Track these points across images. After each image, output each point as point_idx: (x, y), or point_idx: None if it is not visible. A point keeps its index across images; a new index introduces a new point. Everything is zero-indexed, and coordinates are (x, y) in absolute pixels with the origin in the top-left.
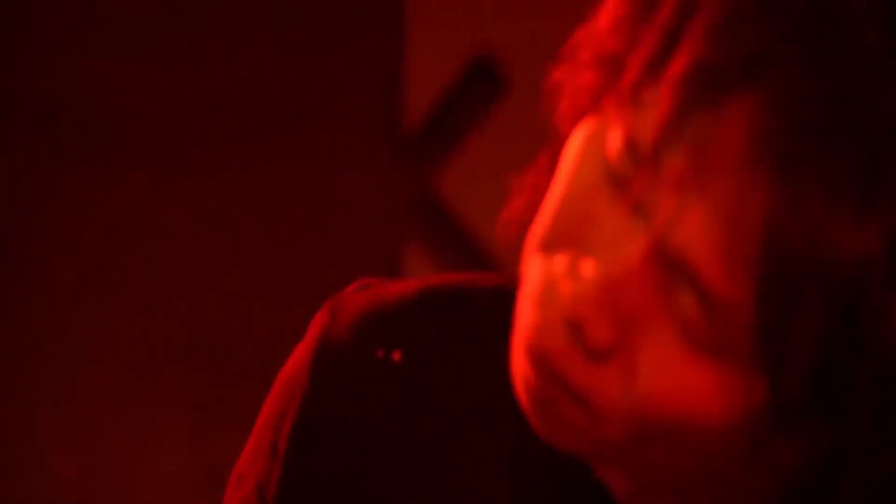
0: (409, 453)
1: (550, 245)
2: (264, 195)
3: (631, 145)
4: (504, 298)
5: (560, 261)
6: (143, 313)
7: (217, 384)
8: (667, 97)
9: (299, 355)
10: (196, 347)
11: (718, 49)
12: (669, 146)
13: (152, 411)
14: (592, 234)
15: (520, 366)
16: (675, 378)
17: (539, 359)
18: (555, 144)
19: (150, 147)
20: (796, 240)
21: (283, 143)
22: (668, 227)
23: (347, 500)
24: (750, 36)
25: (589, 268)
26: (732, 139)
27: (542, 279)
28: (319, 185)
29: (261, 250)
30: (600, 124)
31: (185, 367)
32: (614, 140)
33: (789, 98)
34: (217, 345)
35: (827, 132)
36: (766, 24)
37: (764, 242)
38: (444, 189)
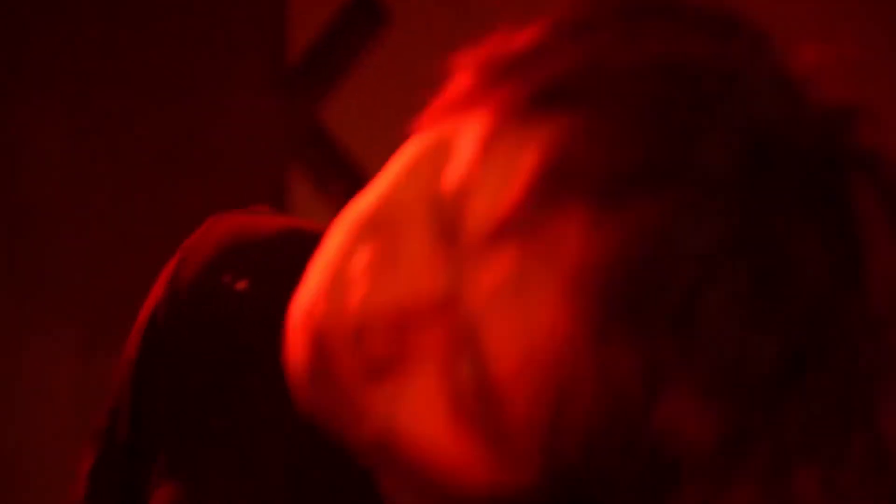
0: (226, 381)
1: (362, 230)
2: (149, 125)
3: (465, 195)
4: None
5: (364, 253)
6: (37, 230)
7: (109, 303)
8: (519, 190)
9: (174, 257)
10: (86, 269)
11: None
12: (504, 234)
13: (43, 328)
14: (404, 245)
15: (295, 329)
16: (432, 431)
17: (316, 336)
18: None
19: (33, 77)
20: (597, 385)
21: (168, 76)
22: (473, 298)
23: (167, 411)
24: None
25: (387, 279)
26: (565, 259)
27: (340, 259)
28: (205, 117)
29: (146, 180)
30: (449, 136)
31: (78, 286)
32: (454, 174)
33: (632, 238)
34: (106, 267)
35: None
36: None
37: (562, 373)
38: (328, 118)
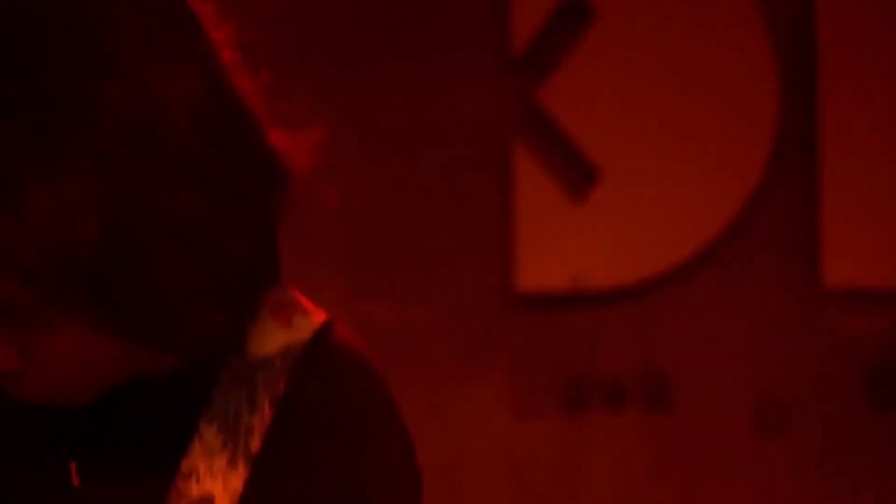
0: None
1: None
2: (387, 106)
3: None
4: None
5: None
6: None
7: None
8: None
9: None
10: (346, 224)
11: None
12: None
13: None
14: None
15: None
16: None
17: None
18: None
19: None
20: None
21: (410, 64)
22: None
23: None
24: None
25: None
26: None
27: None
28: (440, 100)
29: (381, 151)
30: None
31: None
32: None
33: None
34: (364, 223)
35: None
36: None
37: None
38: (546, 100)
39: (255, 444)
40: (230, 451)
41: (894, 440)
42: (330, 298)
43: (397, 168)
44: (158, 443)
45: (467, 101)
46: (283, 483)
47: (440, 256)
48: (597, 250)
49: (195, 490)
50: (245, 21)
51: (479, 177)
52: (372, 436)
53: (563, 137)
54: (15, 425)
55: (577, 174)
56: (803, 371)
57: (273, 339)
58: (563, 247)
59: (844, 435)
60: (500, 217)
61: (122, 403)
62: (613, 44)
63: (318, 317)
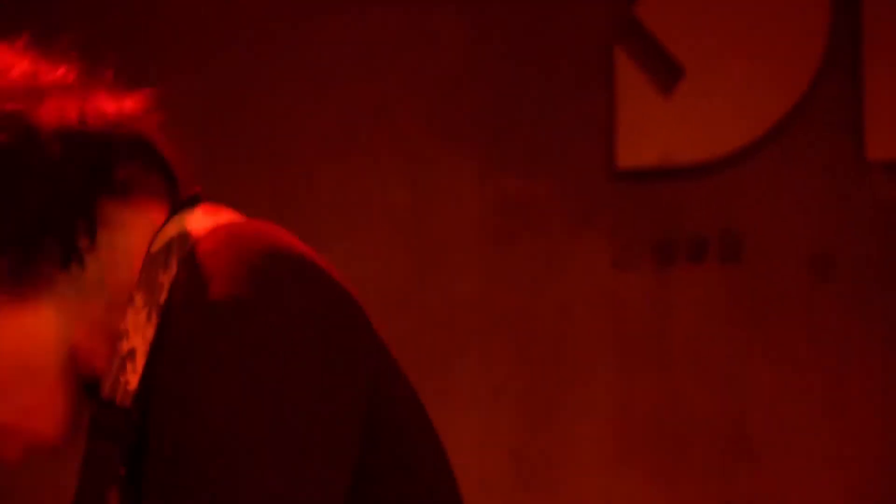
0: None
1: None
2: (516, 20)
3: None
4: None
5: None
6: None
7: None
8: None
9: None
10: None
11: None
12: None
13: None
14: None
15: None
16: None
17: None
18: None
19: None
20: None
21: None
22: None
23: None
24: None
25: None
26: None
27: None
28: (559, 15)
29: (511, 56)
30: None
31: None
32: None
33: None
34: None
35: None
36: None
37: None
38: (642, 13)
39: (164, 296)
40: (148, 307)
41: None
42: (470, 174)
43: (525, 69)
44: None
45: (579, 15)
46: (176, 325)
47: (556, 139)
48: (682, 133)
49: (125, 346)
50: None
51: (587, 75)
52: (266, 275)
53: (655, 42)
54: None
55: (665, 71)
56: (850, 230)
57: (199, 222)
58: (654, 130)
59: (883, 283)
60: (605, 107)
61: None
62: None
63: (240, 216)
